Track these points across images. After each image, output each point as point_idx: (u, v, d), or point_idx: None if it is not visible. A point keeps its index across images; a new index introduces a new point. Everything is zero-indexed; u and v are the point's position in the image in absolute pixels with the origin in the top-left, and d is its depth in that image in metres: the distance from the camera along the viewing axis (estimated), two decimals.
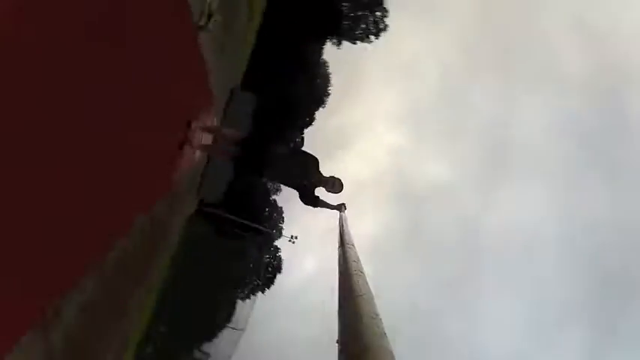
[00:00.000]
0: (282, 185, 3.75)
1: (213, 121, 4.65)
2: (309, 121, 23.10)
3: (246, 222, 15.01)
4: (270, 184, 20.18)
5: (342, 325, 0.76)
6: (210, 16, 3.58)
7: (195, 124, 4.07)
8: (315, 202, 3.62)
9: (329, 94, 23.01)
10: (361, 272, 0.95)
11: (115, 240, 2.37)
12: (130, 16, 1.87)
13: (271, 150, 3.67)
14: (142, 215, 3.24)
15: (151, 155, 3.05)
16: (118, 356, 3.95)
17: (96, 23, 1.52)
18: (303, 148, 3.80)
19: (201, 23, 3.54)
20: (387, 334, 0.67)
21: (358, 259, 0.96)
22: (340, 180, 3.63)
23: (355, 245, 1.03)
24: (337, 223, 1.72)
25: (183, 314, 11.52)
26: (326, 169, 3.93)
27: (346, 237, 1.10)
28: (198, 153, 4.49)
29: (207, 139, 4.33)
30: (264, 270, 20.65)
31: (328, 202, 3.59)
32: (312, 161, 3.68)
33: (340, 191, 3.63)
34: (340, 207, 3.37)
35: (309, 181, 3.61)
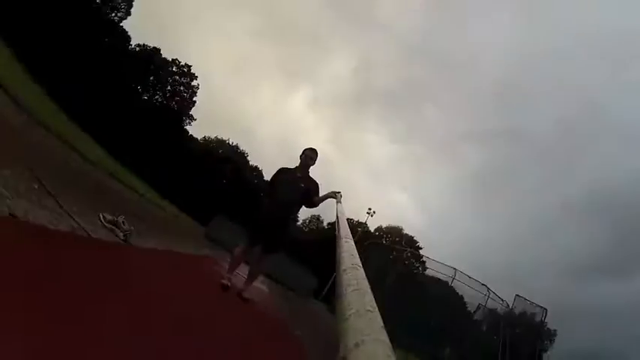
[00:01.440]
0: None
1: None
2: None
3: None
4: None
5: (340, 319, 0.70)
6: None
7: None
8: (314, 204, 4.14)
9: None
10: (359, 266, 0.89)
11: None
12: None
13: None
14: None
15: None
16: None
17: None
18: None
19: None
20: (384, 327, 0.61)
21: (355, 253, 0.90)
22: (311, 152, 4.25)
23: (351, 238, 0.97)
24: (335, 214, 1.66)
25: None
26: None
27: (343, 230, 1.04)
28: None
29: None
30: None
31: (322, 195, 4.09)
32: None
33: (309, 162, 4.23)
34: (336, 195, 3.47)
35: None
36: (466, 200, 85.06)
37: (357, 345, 0.58)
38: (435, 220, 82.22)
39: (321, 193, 4.08)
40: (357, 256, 0.93)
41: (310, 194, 4.13)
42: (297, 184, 4.11)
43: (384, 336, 0.58)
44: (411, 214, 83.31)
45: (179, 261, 4.70)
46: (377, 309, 0.71)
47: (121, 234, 3.27)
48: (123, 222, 3.38)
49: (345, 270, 0.88)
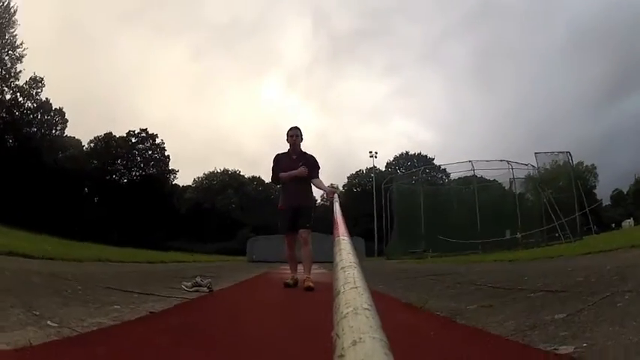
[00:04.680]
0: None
1: None
2: None
3: None
4: None
5: (337, 317, 0.68)
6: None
7: None
8: (315, 181, 4.65)
9: None
10: (356, 265, 0.87)
11: None
12: None
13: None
14: None
15: None
16: None
17: None
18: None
19: None
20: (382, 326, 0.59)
21: (353, 251, 0.88)
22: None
23: (348, 236, 0.95)
24: (333, 211, 1.64)
25: None
26: None
27: (340, 228, 1.02)
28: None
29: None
30: None
31: (322, 184, 4.67)
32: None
33: (296, 141, 4.70)
34: (334, 191, 3.62)
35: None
36: (468, 92, 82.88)
37: (354, 343, 0.56)
38: (446, 127, 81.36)
39: (320, 164, 4.73)
40: (355, 254, 0.92)
41: (313, 170, 4.63)
42: (297, 165, 4.61)
43: (381, 334, 0.56)
44: (424, 135, 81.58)
45: (250, 286, 5.72)
46: (374, 307, 0.69)
47: (205, 289, 3.87)
48: (201, 279, 3.97)
49: (342, 268, 0.86)
